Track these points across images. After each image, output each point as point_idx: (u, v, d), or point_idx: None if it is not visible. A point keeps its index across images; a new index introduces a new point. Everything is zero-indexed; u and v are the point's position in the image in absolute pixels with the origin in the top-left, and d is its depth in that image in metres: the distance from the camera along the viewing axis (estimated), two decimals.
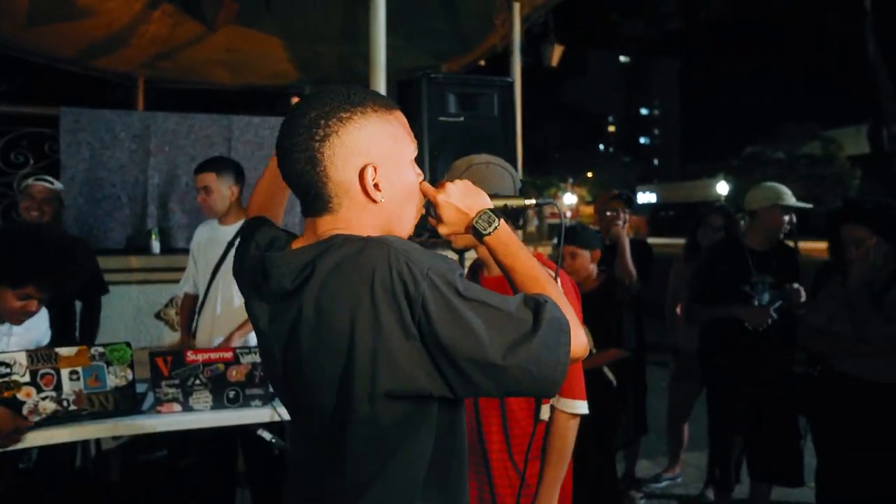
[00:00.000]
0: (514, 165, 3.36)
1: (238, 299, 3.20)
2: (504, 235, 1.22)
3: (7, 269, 2.11)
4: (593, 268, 3.26)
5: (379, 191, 1.10)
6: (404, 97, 3.23)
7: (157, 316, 4.34)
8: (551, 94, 45.43)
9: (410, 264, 1.00)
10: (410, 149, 1.17)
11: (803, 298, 3.12)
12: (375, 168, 1.09)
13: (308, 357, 1.08)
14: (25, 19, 6.12)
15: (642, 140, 79.84)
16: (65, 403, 2.32)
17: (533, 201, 1.38)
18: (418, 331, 0.99)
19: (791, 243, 3.44)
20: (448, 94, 3.09)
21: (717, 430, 3.46)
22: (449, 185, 1.23)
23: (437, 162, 3.02)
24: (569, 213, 57.58)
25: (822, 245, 3.23)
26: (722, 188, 33.49)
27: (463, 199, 1.23)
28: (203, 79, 9.00)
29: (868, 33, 12.76)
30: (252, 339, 3.19)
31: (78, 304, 3.54)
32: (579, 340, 1.09)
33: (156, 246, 4.49)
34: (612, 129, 76.68)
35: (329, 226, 1.12)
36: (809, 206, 3.27)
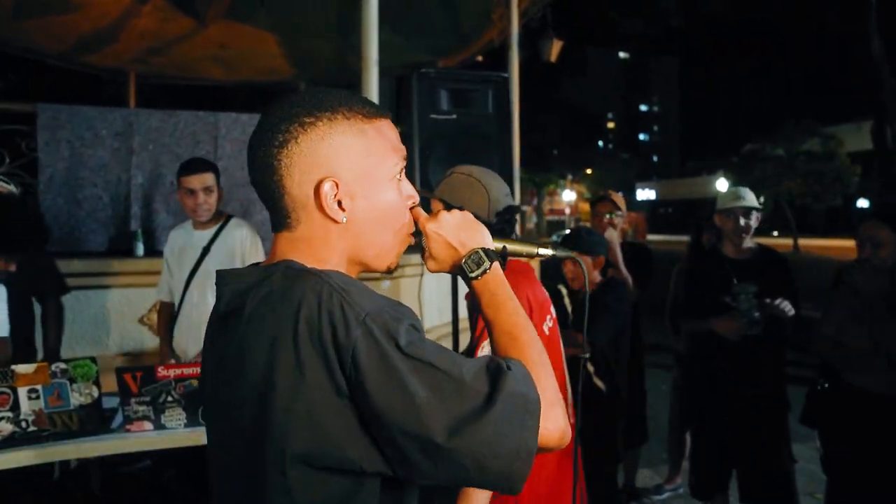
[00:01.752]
0: (510, 164, 3.23)
1: None
2: (493, 282, 1.04)
3: None
4: (596, 275, 3.16)
5: (343, 210, 0.95)
6: (399, 94, 3.05)
7: (141, 321, 4.19)
8: (550, 90, 45.32)
9: (345, 305, 0.83)
10: (390, 163, 0.99)
11: (790, 312, 2.94)
12: (337, 183, 0.94)
13: (226, 399, 0.92)
14: (10, 13, 5.96)
15: (642, 137, 79.87)
16: (23, 424, 2.16)
17: (549, 252, 1.19)
18: (348, 388, 0.82)
19: (791, 240, 3.30)
20: (440, 90, 2.93)
21: (695, 438, 3.40)
22: (443, 215, 1.08)
23: (427, 163, 2.86)
24: (567, 210, 57.64)
25: (822, 243, 3.08)
26: (721, 185, 33.39)
27: (456, 232, 1.07)
28: (196, 75, 8.86)
29: (872, 31, 12.62)
30: None
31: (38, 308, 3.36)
32: (555, 424, 0.89)
33: (139, 248, 4.34)
34: (611, 125, 76.65)
35: (287, 244, 0.98)
36: (756, 206, 3.11)
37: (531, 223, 53.73)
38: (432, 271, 1.11)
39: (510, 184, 3.19)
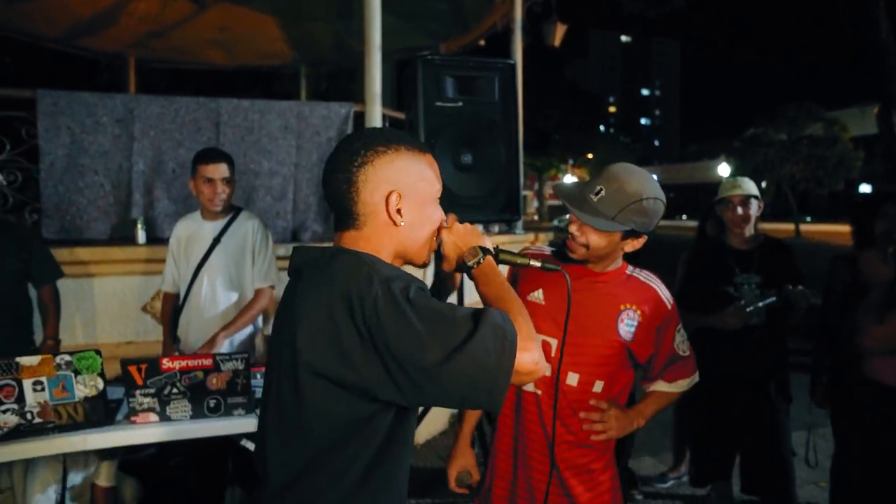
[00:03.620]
0: (516, 152, 3.19)
1: (222, 299, 3.03)
2: (487, 268, 1.34)
3: None
4: None
5: (401, 216, 1.26)
6: (401, 79, 3.00)
7: (144, 309, 4.17)
8: (552, 74, 45.00)
9: (372, 272, 1.14)
10: (435, 188, 1.33)
11: (811, 301, 2.91)
12: (400, 196, 1.25)
13: (279, 335, 1.25)
14: None
15: (643, 121, 79.44)
16: (28, 416, 2.14)
17: (537, 264, 1.48)
18: (368, 332, 1.08)
19: (792, 226, 3.26)
20: (445, 77, 2.86)
21: (696, 427, 3.37)
22: (456, 226, 1.40)
23: (433, 150, 2.80)
24: None
25: (823, 228, 3.06)
26: (723, 170, 33.26)
27: (464, 237, 1.39)
28: (196, 59, 8.81)
29: (881, 15, 12.43)
30: (237, 339, 3.02)
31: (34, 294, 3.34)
32: (529, 355, 1.12)
33: (141, 236, 4.31)
34: (612, 109, 76.22)
35: (351, 239, 1.27)
36: (754, 195, 3.08)
37: (532, 208, 53.63)
38: (447, 270, 1.42)
39: (516, 172, 3.16)
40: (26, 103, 4.33)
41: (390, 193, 1.24)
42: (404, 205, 1.26)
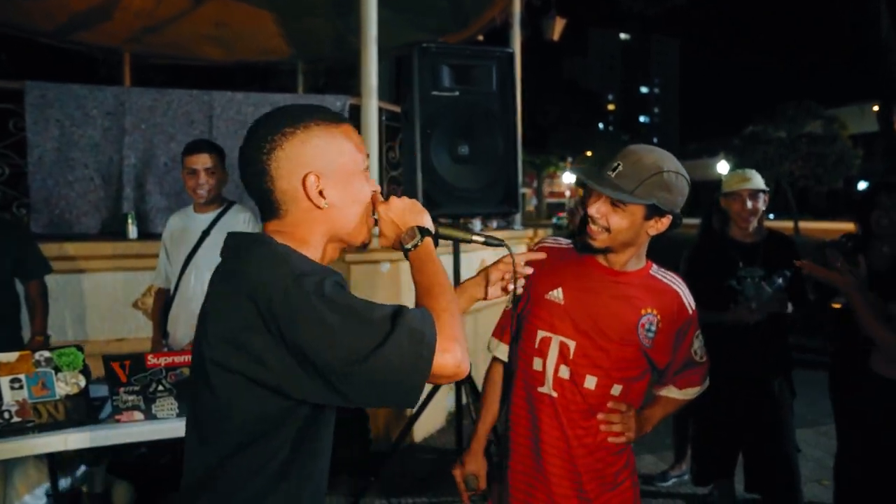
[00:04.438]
0: (514, 143, 3.12)
1: None
2: (423, 252, 1.27)
3: None
4: None
5: (324, 198, 1.19)
6: (399, 74, 2.92)
7: (135, 306, 4.10)
8: (551, 71, 44.94)
9: (284, 266, 1.08)
10: (358, 159, 1.25)
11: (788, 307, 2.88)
12: (318, 177, 1.18)
13: (196, 333, 1.19)
14: None
15: (642, 119, 79.51)
16: (6, 415, 2.06)
17: (480, 238, 1.43)
18: (279, 329, 1.03)
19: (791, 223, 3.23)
20: (442, 66, 2.79)
21: (698, 425, 3.32)
22: (394, 200, 1.31)
23: (429, 141, 2.74)
24: (567, 193, 57.39)
25: (823, 225, 3.02)
26: (722, 167, 33.19)
27: (402, 215, 1.30)
28: (193, 55, 8.71)
29: (882, 12, 12.38)
30: None
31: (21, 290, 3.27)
32: (450, 357, 1.07)
33: (132, 230, 4.24)
34: (611, 107, 76.25)
35: (275, 228, 1.21)
36: (764, 189, 3.04)
37: (531, 205, 53.59)
38: (383, 246, 1.33)
39: (514, 164, 3.09)
40: (14, 95, 4.26)
41: (307, 176, 1.17)
42: (326, 185, 1.19)
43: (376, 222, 1.31)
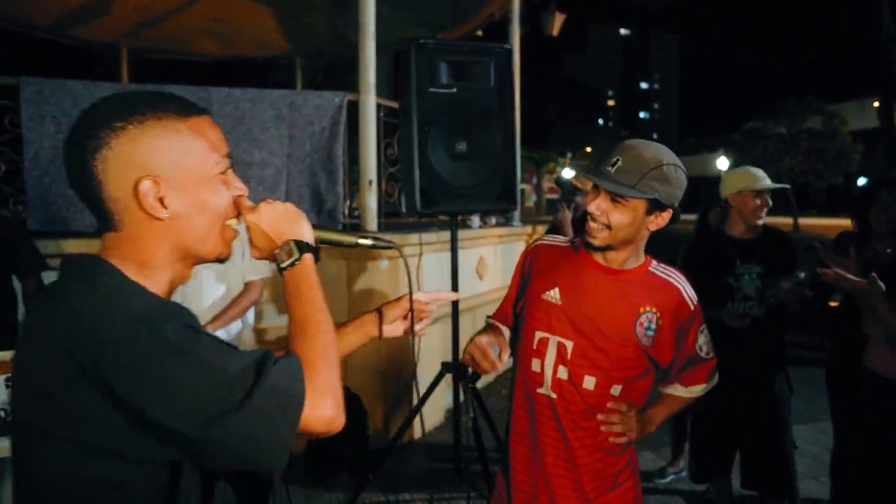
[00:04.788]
0: (512, 140, 3.11)
1: (208, 293, 2.94)
2: (300, 273, 1.08)
3: None
4: None
5: (165, 207, 0.99)
6: (398, 70, 2.91)
7: None
8: (550, 67, 44.91)
9: (113, 306, 0.89)
10: (211, 160, 1.03)
11: (808, 291, 2.86)
12: (157, 181, 0.98)
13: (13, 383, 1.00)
14: None
15: (642, 115, 79.49)
16: (2, 413, 2.06)
17: (368, 242, 1.24)
18: (108, 386, 0.85)
19: (791, 220, 3.24)
20: (439, 62, 2.78)
21: (695, 422, 3.32)
22: (263, 207, 1.10)
23: (427, 138, 2.73)
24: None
25: (822, 221, 3.03)
26: (722, 163, 33.15)
27: (275, 224, 1.10)
28: (190, 50, 8.69)
29: (883, 8, 12.38)
30: (224, 334, 2.94)
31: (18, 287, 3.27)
32: (320, 414, 0.94)
33: None
34: (611, 103, 76.21)
35: (112, 245, 1.01)
36: (785, 186, 3.04)
37: (530, 202, 53.55)
38: (255, 258, 1.15)
39: (512, 160, 3.08)
40: (10, 91, 4.24)
41: (140, 181, 0.96)
42: (167, 191, 0.98)
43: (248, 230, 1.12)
